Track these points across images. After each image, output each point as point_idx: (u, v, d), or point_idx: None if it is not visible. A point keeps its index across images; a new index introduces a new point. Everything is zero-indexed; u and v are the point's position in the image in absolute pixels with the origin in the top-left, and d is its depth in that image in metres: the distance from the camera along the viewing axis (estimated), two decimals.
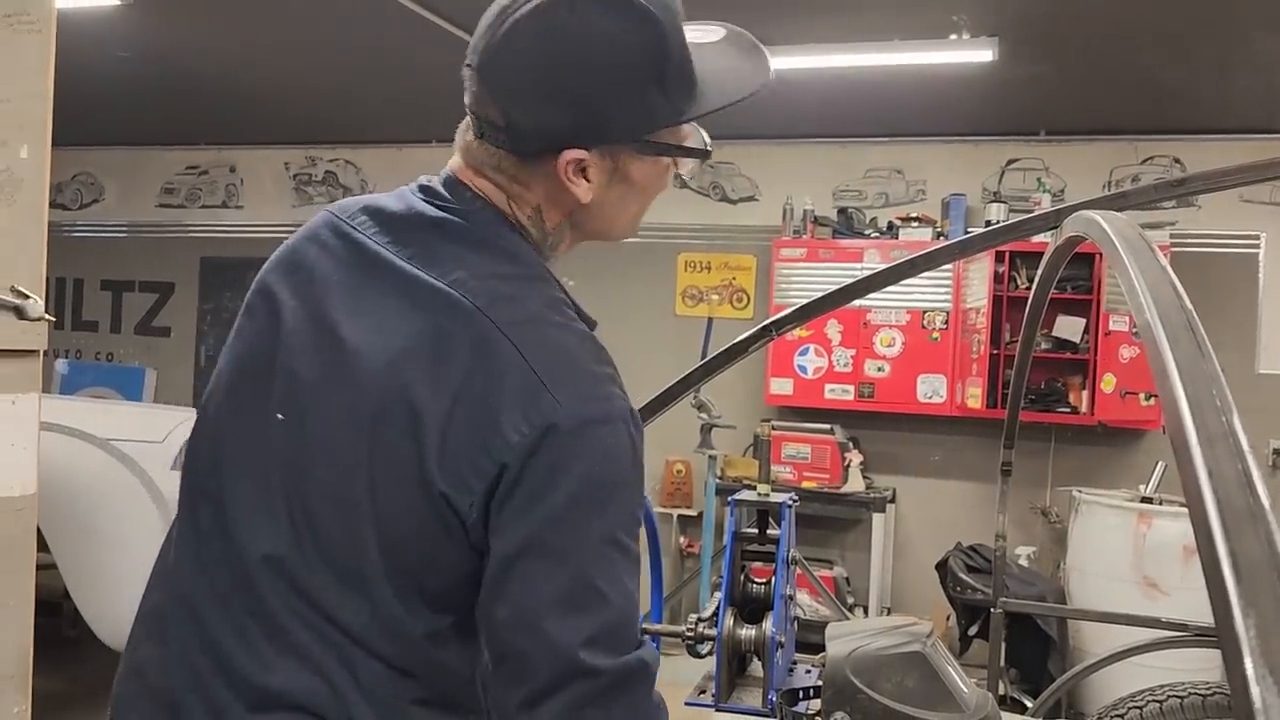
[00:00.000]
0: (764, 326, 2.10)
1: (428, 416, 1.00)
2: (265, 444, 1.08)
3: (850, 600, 5.66)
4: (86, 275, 7.83)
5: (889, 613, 5.66)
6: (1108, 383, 5.30)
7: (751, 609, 2.10)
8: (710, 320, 5.45)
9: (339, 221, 1.15)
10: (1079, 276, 5.34)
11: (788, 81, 4.69)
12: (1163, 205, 5.30)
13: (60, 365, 7.38)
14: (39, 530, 2.38)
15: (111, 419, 4.85)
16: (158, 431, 4.72)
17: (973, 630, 4.73)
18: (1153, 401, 5.24)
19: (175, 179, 7.70)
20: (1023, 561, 5.38)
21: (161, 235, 7.71)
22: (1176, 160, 5.68)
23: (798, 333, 5.57)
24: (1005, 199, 5.82)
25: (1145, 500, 4.95)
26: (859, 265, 5.65)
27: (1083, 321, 5.40)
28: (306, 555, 1.05)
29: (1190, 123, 5.45)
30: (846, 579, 5.80)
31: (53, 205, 2.26)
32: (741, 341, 2.09)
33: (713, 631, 2.05)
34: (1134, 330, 5.21)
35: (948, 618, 5.08)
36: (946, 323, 5.63)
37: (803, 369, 5.83)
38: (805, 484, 5.59)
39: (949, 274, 5.60)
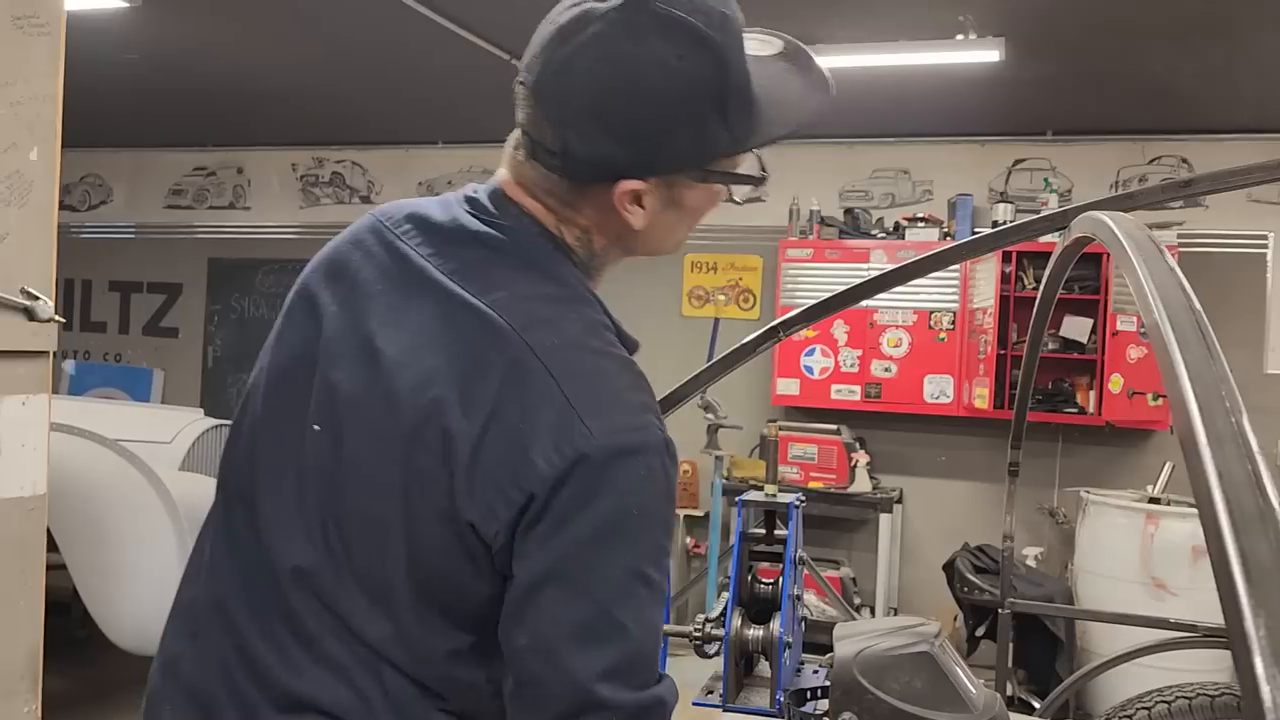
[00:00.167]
0: (772, 327, 2.09)
1: (459, 442, 0.99)
2: (300, 453, 1.08)
3: (857, 601, 5.65)
4: (95, 276, 7.86)
5: (895, 613, 5.65)
6: (1115, 383, 5.29)
7: (759, 609, 2.11)
8: (717, 321, 5.45)
9: (384, 229, 1.14)
10: (1086, 276, 5.33)
11: None
12: (1170, 205, 5.29)
13: (68, 366, 7.41)
14: (48, 530, 2.38)
15: (120, 420, 4.87)
16: (166, 432, 4.74)
17: (980, 631, 4.72)
18: (1160, 402, 5.23)
19: (183, 180, 7.72)
20: (1030, 562, 5.37)
21: (169, 236, 7.73)
22: (1184, 160, 5.67)
23: (804, 333, 5.57)
24: (1012, 199, 5.81)
25: (1153, 501, 4.93)
26: (865, 266, 5.65)
27: (1090, 322, 5.39)
28: (335, 569, 1.05)
29: (1198, 122, 5.44)
30: (853, 579, 5.80)
31: (61, 207, 2.26)
32: (750, 342, 2.09)
33: (720, 632, 2.05)
34: (1141, 330, 5.20)
35: (955, 618, 5.08)
36: (953, 323, 5.63)
37: (809, 369, 5.83)
38: (812, 484, 5.58)
39: (956, 274, 5.59)
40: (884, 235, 5.90)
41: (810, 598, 5.09)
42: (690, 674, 2.20)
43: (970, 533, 5.22)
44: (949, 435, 5.88)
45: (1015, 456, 2.78)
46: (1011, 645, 3.01)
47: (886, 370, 5.71)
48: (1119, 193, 5.61)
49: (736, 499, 2.38)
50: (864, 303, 4.96)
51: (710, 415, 5.10)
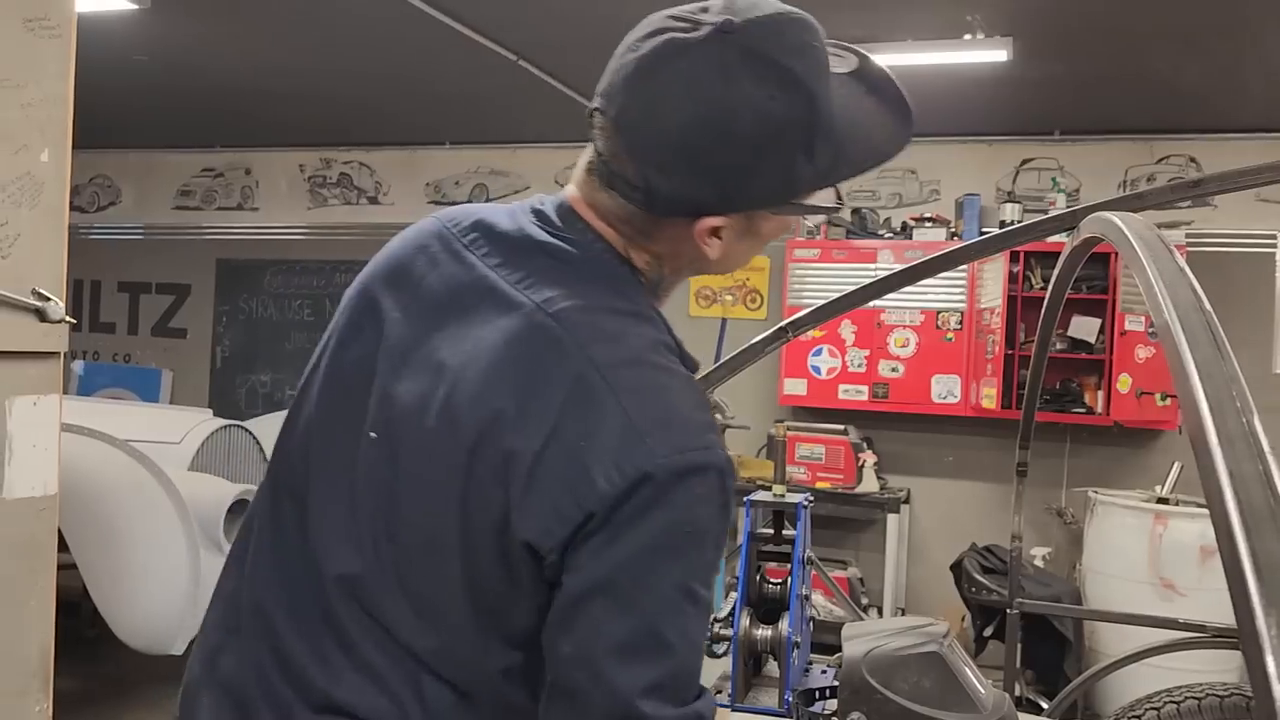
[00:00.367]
0: (781, 327, 2.10)
1: (517, 460, 0.98)
2: (354, 460, 1.07)
3: (864, 601, 5.65)
4: (104, 277, 7.89)
5: (903, 614, 5.65)
6: (1123, 383, 5.28)
7: (767, 609, 2.11)
8: (724, 321, 5.45)
9: (450, 236, 1.12)
10: (1094, 276, 5.31)
11: None
12: (1179, 205, 5.28)
13: (77, 366, 7.44)
14: (58, 530, 2.39)
15: (129, 420, 4.89)
16: (175, 432, 4.75)
17: (988, 631, 4.71)
18: (1168, 402, 5.22)
19: (191, 181, 7.75)
20: (1038, 562, 5.36)
21: (178, 237, 7.76)
22: (1192, 160, 5.66)
23: (812, 333, 5.57)
24: (1020, 199, 5.80)
25: (1161, 501, 4.92)
26: (873, 266, 5.64)
27: (1098, 321, 5.38)
28: (383, 580, 1.04)
29: (1205, 122, 5.42)
30: (861, 580, 5.79)
31: (70, 208, 2.27)
32: (759, 342, 2.10)
33: (728, 631, 2.05)
34: (1150, 330, 5.19)
35: (963, 619, 5.07)
36: (961, 323, 5.62)
37: (816, 369, 5.82)
38: (819, 484, 5.58)
39: (963, 274, 5.58)
40: (891, 235, 5.90)
41: (817, 598, 5.09)
42: None
43: (978, 533, 5.21)
44: (956, 435, 5.87)
45: (1023, 456, 2.78)
46: (1019, 645, 3.00)
47: (894, 370, 5.70)
48: (1127, 192, 5.60)
49: (744, 499, 2.38)
50: (871, 303, 4.96)
51: (718, 415, 5.11)
